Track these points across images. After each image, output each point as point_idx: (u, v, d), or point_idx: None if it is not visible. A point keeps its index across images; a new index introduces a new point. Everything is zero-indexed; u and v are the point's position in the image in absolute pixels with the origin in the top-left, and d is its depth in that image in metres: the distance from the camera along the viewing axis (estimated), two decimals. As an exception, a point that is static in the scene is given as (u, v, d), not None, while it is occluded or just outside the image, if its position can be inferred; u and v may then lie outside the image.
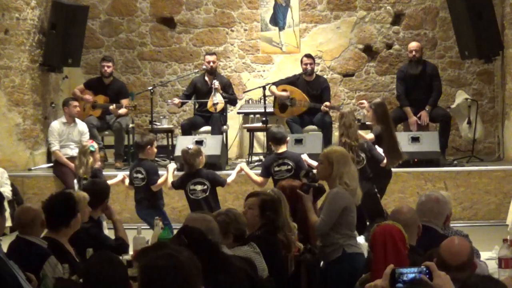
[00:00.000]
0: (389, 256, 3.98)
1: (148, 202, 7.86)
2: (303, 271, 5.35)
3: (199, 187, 7.51)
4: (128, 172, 8.28)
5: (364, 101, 9.30)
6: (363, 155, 7.76)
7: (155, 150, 8.11)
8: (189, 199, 7.61)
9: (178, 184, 7.70)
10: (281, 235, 5.24)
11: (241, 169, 8.03)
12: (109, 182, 7.71)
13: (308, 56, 10.68)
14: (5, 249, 4.31)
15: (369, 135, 8.07)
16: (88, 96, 10.62)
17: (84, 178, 7.79)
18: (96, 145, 8.06)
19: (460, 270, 3.54)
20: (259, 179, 7.97)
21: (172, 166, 8.11)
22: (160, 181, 7.86)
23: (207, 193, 7.52)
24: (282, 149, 7.80)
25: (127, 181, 8.04)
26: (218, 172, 8.21)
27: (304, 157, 7.95)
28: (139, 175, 7.89)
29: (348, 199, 5.36)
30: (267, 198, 5.18)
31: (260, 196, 5.22)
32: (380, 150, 8.10)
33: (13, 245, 4.68)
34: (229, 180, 7.81)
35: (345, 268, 5.22)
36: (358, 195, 5.55)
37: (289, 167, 7.68)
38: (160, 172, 8.10)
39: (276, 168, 7.74)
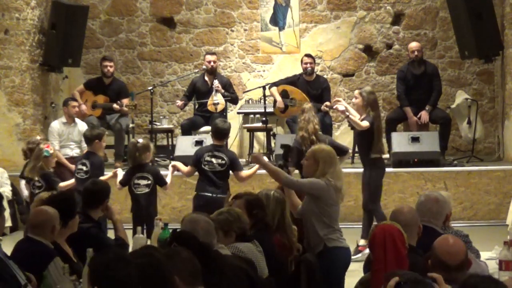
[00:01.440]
0: (388, 256, 3.98)
1: None
2: (303, 271, 5.35)
3: (143, 182, 7.38)
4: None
5: (340, 98, 8.92)
6: None
7: (104, 144, 8.05)
8: (132, 194, 7.46)
9: (124, 180, 7.54)
10: (284, 238, 5.26)
11: (174, 167, 7.85)
12: (102, 178, 7.73)
13: (308, 56, 10.68)
14: (5, 249, 4.31)
15: (364, 123, 7.75)
16: (85, 107, 10.59)
17: (30, 179, 7.77)
18: (51, 150, 7.97)
19: (459, 270, 3.56)
20: (186, 168, 7.78)
21: (120, 170, 7.89)
22: (101, 178, 7.64)
23: (149, 189, 7.39)
24: (221, 143, 7.71)
25: (120, 172, 7.85)
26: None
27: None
28: (84, 168, 7.80)
29: (327, 191, 5.42)
30: (251, 198, 5.22)
31: (244, 197, 5.24)
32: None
33: (20, 243, 4.70)
34: (168, 180, 7.62)
35: (326, 262, 5.25)
36: (342, 194, 5.58)
37: (223, 161, 7.51)
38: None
39: (208, 158, 7.54)
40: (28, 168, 7.90)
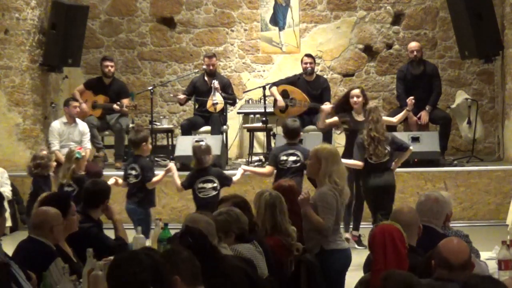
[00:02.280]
0: (388, 256, 3.99)
1: (137, 199, 7.57)
2: (303, 271, 5.35)
3: (209, 185, 7.35)
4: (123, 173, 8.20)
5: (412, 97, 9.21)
6: (388, 148, 7.75)
7: (150, 146, 7.96)
8: (196, 198, 7.41)
9: (188, 183, 7.48)
10: (284, 239, 5.26)
11: (244, 170, 8.01)
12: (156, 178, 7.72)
13: (308, 56, 10.68)
14: (5, 249, 4.31)
15: (394, 118, 8.89)
16: (85, 106, 10.56)
17: (65, 184, 7.68)
18: (83, 153, 7.88)
19: (464, 269, 3.55)
20: (265, 169, 8.02)
21: (173, 165, 7.88)
22: (155, 179, 7.64)
23: (217, 192, 7.35)
24: (294, 141, 7.87)
25: (120, 181, 7.79)
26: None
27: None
28: (133, 172, 7.65)
29: (335, 199, 5.39)
30: (238, 200, 5.20)
31: (231, 200, 5.23)
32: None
33: (23, 243, 4.71)
34: (235, 179, 7.72)
35: (323, 264, 5.24)
36: (345, 194, 5.57)
37: (297, 158, 7.70)
38: (158, 172, 8.00)
39: (283, 158, 7.75)
40: (62, 172, 7.79)
